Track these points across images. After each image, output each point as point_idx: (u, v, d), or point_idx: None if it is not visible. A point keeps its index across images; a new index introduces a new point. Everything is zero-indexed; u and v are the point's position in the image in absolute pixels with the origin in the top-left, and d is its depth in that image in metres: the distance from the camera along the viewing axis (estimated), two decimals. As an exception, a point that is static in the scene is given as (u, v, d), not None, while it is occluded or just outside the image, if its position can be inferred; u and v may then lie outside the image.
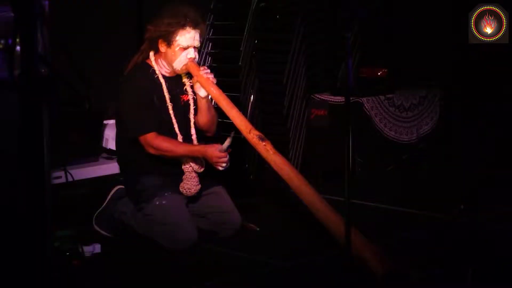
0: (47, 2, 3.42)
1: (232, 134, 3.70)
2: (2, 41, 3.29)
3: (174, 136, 3.85)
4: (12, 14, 1.66)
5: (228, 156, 3.74)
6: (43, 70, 1.85)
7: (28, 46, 1.65)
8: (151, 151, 3.76)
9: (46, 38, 2.17)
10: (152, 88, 3.82)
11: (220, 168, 3.76)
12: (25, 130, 1.64)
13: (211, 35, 5.81)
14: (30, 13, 1.64)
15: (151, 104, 3.79)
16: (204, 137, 4.01)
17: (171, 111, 3.84)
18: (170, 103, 3.84)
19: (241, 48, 5.51)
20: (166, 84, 3.85)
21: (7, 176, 1.85)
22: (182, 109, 3.90)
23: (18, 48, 1.65)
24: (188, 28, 3.77)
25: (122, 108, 3.84)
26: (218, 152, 3.71)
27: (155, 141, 3.74)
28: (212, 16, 5.82)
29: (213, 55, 5.82)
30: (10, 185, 1.81)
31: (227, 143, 3.70)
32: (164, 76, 3.86)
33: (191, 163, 3.84)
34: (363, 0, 5.74)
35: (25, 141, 1.64)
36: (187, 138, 3.91)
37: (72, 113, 4.42)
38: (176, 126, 3.85)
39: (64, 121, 4.25)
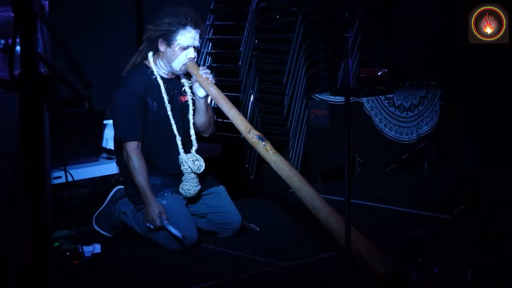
0: (47, 2, 3.42)
1: (184, 238, 3.65)
2: (2, 41, 3.30)
3: (173, 137, 3.84)
4: (12, 14, 1.66)
5: (159, 226, 3.70)
6: (43, 70, 1.85)
7: (28, 46, 1.64)
8: (124, 156, 3.78)
9: (46, 38, 2.17)
10: (150, 90, 3.82)
11: (147, 223, 3.75)
12: (25, 130, 1.63)
13: (211, 35, 5.82)
14: (30, 13, 1.64)
15: (142, 111, 3.78)
16: (201, 138, 4.01)
17: (169, 112, 3.84)
18: (169, 104, 3.84)
19: (241, 48, 5.52)
20: (164, 85, 3.84)
21: (7, 176, 1.85)
22: (180, 110, 3.90)
23: (18, 48, 1.65)
24: (188, 28, 3.77)
25: (113, 110, 3.85)
26: (155, 217, 3.69)
27: (131, 153, 3.74)
28: (212, 16, 5.83)
29: (213, 55, 5.82)
30: (10, 185, 1.80)
31: (175, 233, 3.63)
32: (162, 77, 3.86)
33: (189, 165, 3.84)
34: (363, 0, 5.75)
35: (25, 141, 1.64)
36: (186, 139, 3.91)
37: (72, 113, 4.41)
38: (174, 127, 3.85)
39: (64, 121, 4.25)
